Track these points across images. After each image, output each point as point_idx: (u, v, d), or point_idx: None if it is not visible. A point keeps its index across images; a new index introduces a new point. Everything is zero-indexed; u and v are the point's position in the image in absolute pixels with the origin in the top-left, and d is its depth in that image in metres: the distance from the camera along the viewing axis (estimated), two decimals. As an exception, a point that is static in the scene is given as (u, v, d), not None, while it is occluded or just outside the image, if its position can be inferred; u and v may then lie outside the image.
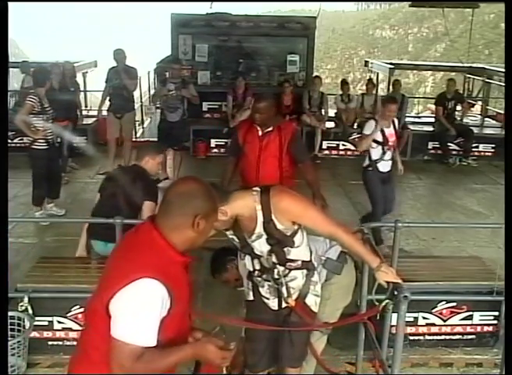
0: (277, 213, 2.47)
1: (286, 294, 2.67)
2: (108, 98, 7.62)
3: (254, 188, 2.55)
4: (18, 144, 7.79)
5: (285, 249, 2.59)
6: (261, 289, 2.75)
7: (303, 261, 2.65)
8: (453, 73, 11.98)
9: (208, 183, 1.93)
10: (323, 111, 9.10)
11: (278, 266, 2.62)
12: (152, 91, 10.27)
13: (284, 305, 2.72)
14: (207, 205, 1.86)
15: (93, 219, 4.03)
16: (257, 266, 2.66)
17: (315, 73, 9.92)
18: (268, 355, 2.86)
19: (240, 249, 2.70)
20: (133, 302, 1.73)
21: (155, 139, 7.38)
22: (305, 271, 2.68)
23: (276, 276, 2.64)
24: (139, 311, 1.73)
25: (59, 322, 3.82)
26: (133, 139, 8.21)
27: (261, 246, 2.59)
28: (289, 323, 2.73)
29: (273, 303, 2.74)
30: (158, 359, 1.78)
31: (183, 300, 1.86)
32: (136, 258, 1.80)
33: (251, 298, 2.80)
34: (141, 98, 10.62)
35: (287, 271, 2.64)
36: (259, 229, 2.52)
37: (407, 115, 9.92)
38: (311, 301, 2.72)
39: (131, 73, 7.50)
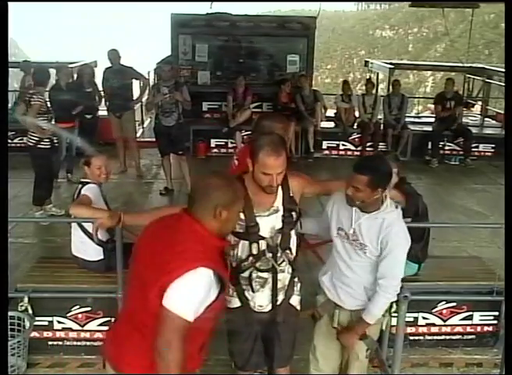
0: (293, 187, 2.72)
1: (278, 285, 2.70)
2: (106, 98, 7.68)
3: None
4: (18, 144, 7.78)
5: (291, 232, 2.71)
6: (246, 291, 2.72)
7: (294, 256, 2.76)
8: (453, 73, 11.98)
9: (230, 178, 2.25)
10: (318, 109, 8.98)
11: (277, 249, 2.66)
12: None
13: (278, 296, 2.72)
14: (226, 197, 2.10)
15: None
16: (255, 251, 2.65)
17: (314, 73, 9.88)
18: (256, 355, 2.86)
19: (240, 233, 2.65)
20: (189, 289, 1.95)
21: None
22: (291, 269, 2.75)
23: (272, 262, 2.65)
24: (194, 296, 1.97)
25: (59, 322, 3.83)
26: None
27: (272, 222, 2.65)
28: (275, 323, 2.77)
29: (263, 299, 2.72)
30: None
31: (227, 282, 2.13)
32: (186, 248, 2.01)
33: (237, 304, 2.76)
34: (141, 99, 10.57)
35: (281, 260, 2.69)
36: (278, 203, 2.67)
37: (407, 115, 9.91)
38: (296, 301, 2.85)
39: (126, 72, 7.51)
